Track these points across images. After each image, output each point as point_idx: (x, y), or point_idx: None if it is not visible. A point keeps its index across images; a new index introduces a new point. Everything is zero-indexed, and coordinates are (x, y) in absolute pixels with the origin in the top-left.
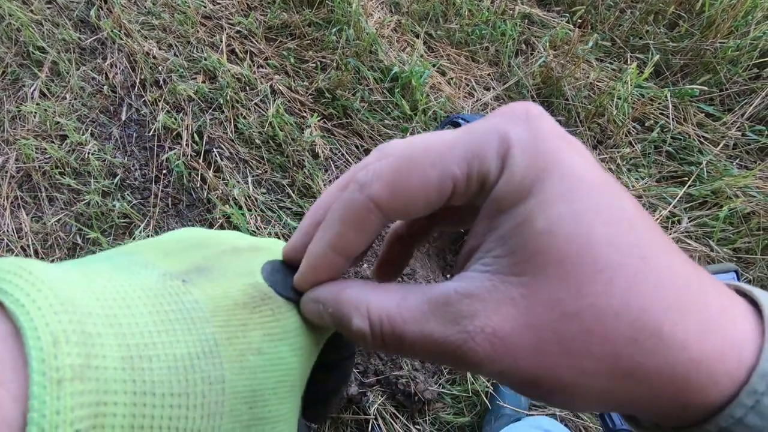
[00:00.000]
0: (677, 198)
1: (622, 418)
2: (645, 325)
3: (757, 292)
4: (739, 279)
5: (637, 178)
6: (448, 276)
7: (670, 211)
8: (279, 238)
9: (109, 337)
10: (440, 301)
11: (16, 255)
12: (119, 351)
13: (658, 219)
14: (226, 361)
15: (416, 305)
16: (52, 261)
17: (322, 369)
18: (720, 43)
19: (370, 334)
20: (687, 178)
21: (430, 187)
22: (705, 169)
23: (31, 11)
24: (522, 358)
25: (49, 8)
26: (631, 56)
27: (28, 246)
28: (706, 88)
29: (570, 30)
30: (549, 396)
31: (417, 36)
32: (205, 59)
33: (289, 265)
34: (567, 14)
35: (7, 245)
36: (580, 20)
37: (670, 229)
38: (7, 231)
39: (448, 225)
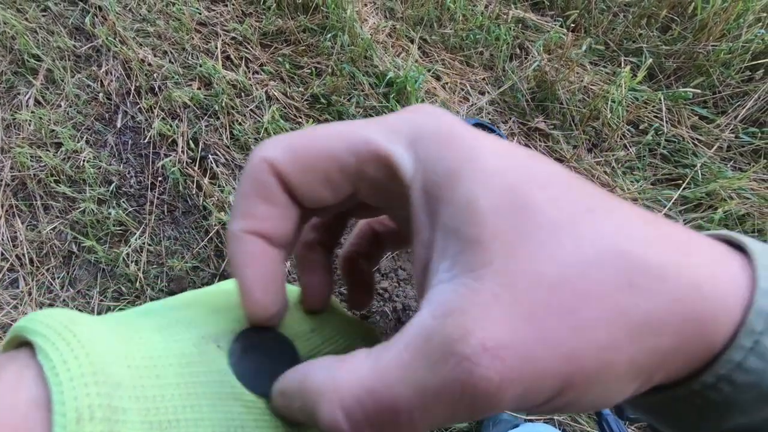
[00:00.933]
0: (672, 200)
1: (620, 424)
2: (631, 264)
3: (724, 231)
4: None
5: (632, 181)
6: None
7: (665, 214)
8: None
9: (134, 412)
10: (420, 339)
11: (11, 263)
12: (141, 429)
13: None
14: None
15: (395, 359)
16: (47, 269)
17: None
18: (712, 46)
19: (347, 423)
20: (682, 181)
21: (332, 159)
22: (699, 171)
23: (26, 19)
24: (540, 359)
25: (44, 16)
26: (624, 60)
27: (23, 255)
28: (699, 91)
29: (563, 34)
30: (583, 395)
31: (412, 41)
32: (201, 66)
33: (263, 329)
34: (560, 18)
35: (2, 254)
36: (573, 24)
37: None
38: (2, 239)
39: (395, 244)
